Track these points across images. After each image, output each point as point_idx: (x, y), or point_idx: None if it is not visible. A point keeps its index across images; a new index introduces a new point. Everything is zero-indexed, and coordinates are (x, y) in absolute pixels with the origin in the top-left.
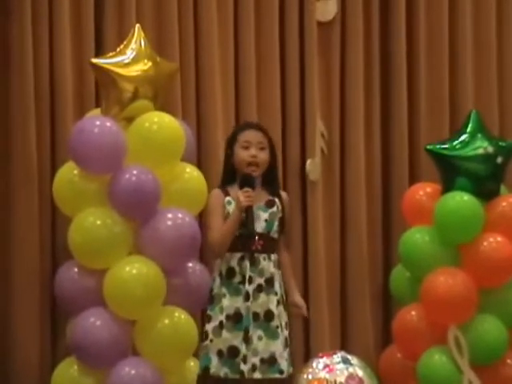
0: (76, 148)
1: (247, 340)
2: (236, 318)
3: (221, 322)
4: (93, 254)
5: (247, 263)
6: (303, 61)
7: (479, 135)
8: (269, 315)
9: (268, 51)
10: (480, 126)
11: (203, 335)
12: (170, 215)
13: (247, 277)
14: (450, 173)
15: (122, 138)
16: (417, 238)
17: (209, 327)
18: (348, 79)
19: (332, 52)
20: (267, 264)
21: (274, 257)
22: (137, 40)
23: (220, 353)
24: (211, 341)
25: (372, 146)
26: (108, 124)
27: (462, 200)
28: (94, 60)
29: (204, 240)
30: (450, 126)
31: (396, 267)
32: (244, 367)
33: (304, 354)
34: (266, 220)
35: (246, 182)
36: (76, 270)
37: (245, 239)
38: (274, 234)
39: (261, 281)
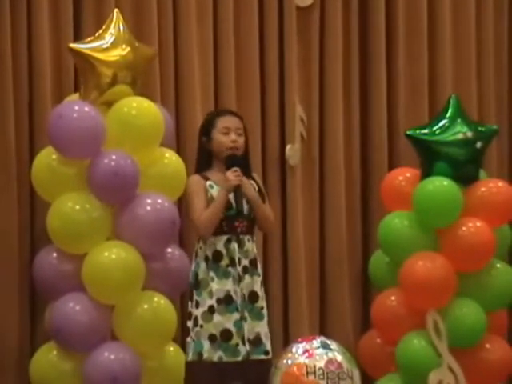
0: (55, 133)
1: (244, 321)
2: (227, 301)
3: (211, 307)
4: (71, 238)
5: (235, 245)
6: (282, 46)
7: (459, 120)
8: (253, 296)
9: (247, 36)
10: (459, 110)
11: (193, 321)
12: (149, 200)
13: (236, 259)
14: (429, 158)
15: (101, 122)
16: (396, 222)
17: (198, 312)
18: (327, 64)
19: (311, 37)
20: (251, 245)
21: (255, 238)
22: (115, 25)
23: (212, 337)
24: (201, 326)
25: (351, 131)
26: (87, 109)
27: (441, 185)
28: (73, 45)
29: (183, 225)
30: (429, 110)
31: (375, 252)
32: (243, 349)
33: (283, 338)
34: (246, 201)
35: (234, 161)
36: (55, 254)
37: (230, 221)
38: (254, 215)
39: (246, 262)
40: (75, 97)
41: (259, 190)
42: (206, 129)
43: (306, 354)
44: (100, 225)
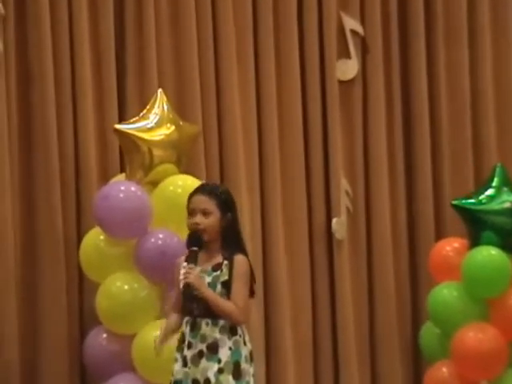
0: (101, 214)
1: None
2: None
3: None
4: (120, 319)
5: (188, 328)
6: (325, 120)
7: (505, 189)
8: (206, 383)
9: (290, 111)
10: (505, 179)
11: None
12: None
13: (186, 342)
14: (476, 227)
15: (147, 202)
16: (445, 293)
17: None
18: (371, 137)
19: (354, 110)
20: (210, 329)
21: (221, 322)
22: (159, 104)
23: None
24: None
25: (397, 203)
26: (133, 189)
27: (489, 254)
28: (118, 126)
29: None
30: (475, 179)
31: (425, 324)
32: None
33: None
34: (208, 283)
35: (193, 241)
36: (104, 335)
37: (188, 304)
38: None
39: (202, 346)
40: (121, 177)
41: (229, 278)
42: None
43: None
44: (148, 304)
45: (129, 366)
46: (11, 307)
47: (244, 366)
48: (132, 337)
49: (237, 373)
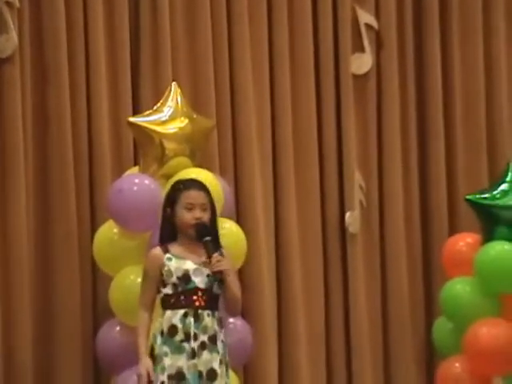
0: (115, 207)
1: None
2: (178, 378)
3: (162, 383)
4: (134, 311)
5: (191, 320)
6: (339, 114)
7: None
8: (211, 374)
9: (304, 105)
10: None
11: None
12: None
13: (192, 334)
14: (490, 222)
15: (161, 195)
16: (458, 288)
17: None
18: (385, 131)
19: (368, 104)
20: (211, 321)
21: (217, 314)
22: (173, 97)
23: None
24: None
25: (410, 197)
26: (146, 182)
27: (502, 249)
28: (132, 119)
29: (246, 296)
30: (489, 174)
31: (438, 318)
32: None
33: None
34: (207, 275)
35: (204, 231)
36: (118, 328)
37: (188, 295)
38: (217, 290)
39: (204, 338)
40: (135, 170)
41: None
42: (171, 200)
43: None
44: None
45: None
46: (25, 300)
47: (228, 357)
48: None
49: (227, 365)
